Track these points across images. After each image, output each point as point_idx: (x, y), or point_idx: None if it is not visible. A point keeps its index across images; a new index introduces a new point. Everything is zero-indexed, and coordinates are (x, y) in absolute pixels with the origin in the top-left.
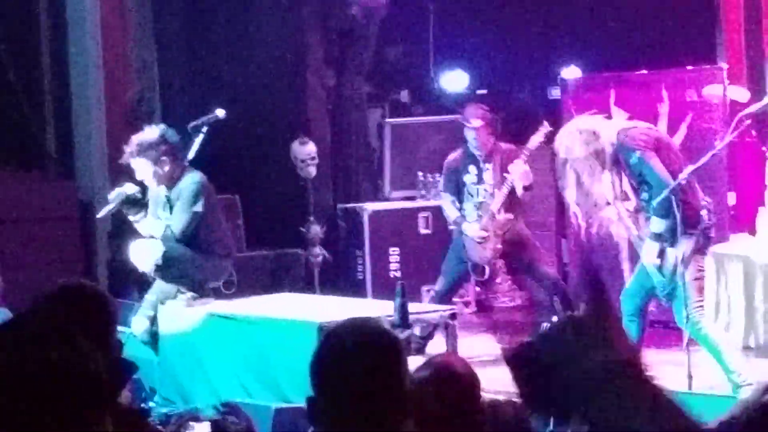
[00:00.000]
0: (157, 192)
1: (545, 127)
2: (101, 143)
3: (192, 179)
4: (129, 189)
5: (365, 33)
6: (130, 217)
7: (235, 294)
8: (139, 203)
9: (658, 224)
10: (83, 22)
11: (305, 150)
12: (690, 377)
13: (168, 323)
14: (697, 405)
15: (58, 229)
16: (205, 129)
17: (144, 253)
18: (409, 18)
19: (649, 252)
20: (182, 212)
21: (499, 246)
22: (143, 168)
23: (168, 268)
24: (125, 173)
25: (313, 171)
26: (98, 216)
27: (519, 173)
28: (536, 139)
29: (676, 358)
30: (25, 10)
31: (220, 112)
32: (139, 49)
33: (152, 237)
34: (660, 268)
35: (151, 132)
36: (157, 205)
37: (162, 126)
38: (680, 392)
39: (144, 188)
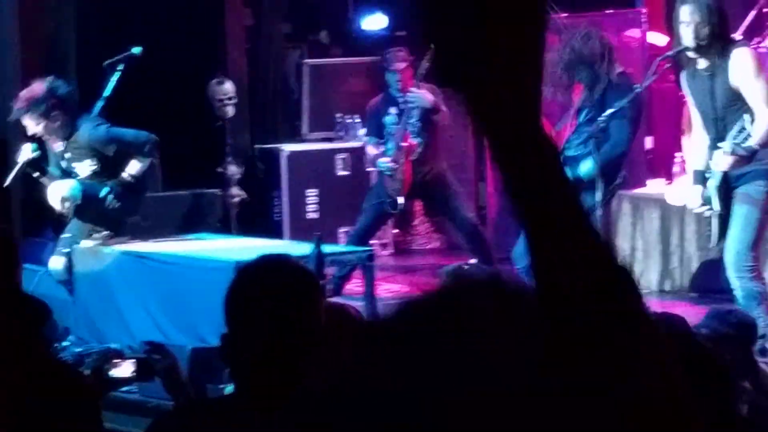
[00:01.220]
0: (54, 147)
1: (431, 52)
2: (15, 82)
3: (93, 123)
4: (26, 153)
5: None
6: (42, 179)
7: (150, 234)
8: (41, 163)
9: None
10: None
11: (222, 89)
12: None
13: (83, 262)
14: None
15: None
16: (121, 67)
17: (62, 194)
18: None
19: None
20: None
21: (409, 176)
22: (34, 125)
23: (87, 208)
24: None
25: (230, 111)
26: (5, 184)
27: (417, 95)
28: (424, 65)
29: None
30: None
31: (137, 50)
32: None
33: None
34: None
35: (39, 86)
36: (58, 159)
37: (50, 79)
38: None
39: (41, 144)
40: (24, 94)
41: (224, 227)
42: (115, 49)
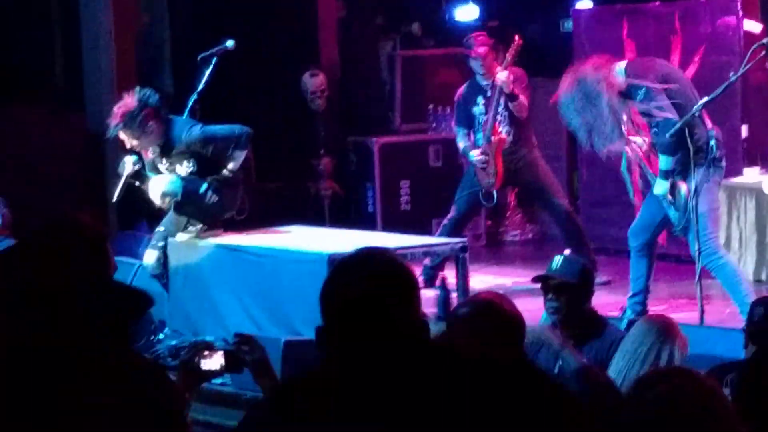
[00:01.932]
0: (150, 154)
1: (517, 43)
2: (110, 75)
3: (187, 126)
4: (129, 167)
5: None
6: (144, 186)
7: (244, 226)
8: (142, 171)
9: (665, 162)
10: None
11: (315, 82)
12: (702, 311)
13: (178, 255)
14: (708, 338)
15: (67, 162)
16: (214, 60)
17: (163, 190)
18: None
19: (660, 189)
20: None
21: (501, 169)
22: (131, 139)
23: (186, 204)
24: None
25: (323, 103)
26: (113, 200)
27: (500, 80)
28: (510, 57)
29: (688, 291)
30: None
31: (230, 43)
32: None
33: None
34: (673, 204)
35: (130, 99)
36: (155, 164)
37: (138, 89)
38: (692, 326)
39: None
40: (117, 109)
41: (317, 219)
42: (208, 42)
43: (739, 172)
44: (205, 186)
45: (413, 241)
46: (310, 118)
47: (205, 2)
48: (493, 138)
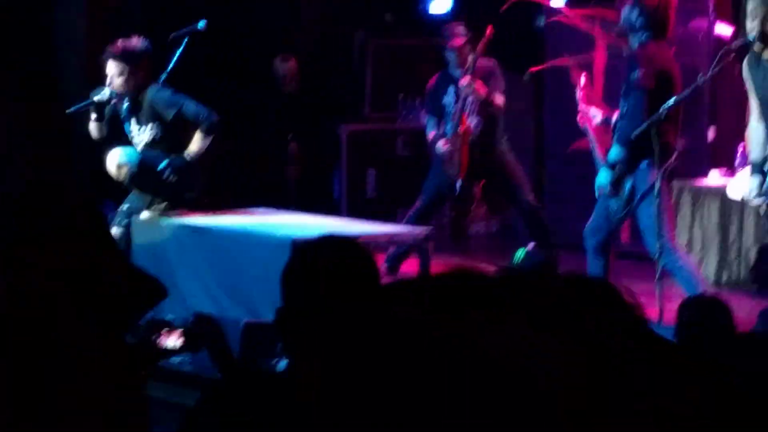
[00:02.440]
0: (121, 105)
1: (488, 33)
2: (81, 51)
3: (159, 86)
4: (102, 95)
5: None
6: (93, 117)
7: (210, 207)
8: (104, 111)
9: (616, 152)
10: None
11: (286, 67)
12: (661, 310)
13: (141, 234)
14: (667, 337)
15: (38, 151)
16: (186, 40)
17: (118, 161)
18: None
19: (602, 179)
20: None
21: (466, 160)
22: (119, 73)
23: (145, 179)
24: (102, 84)
25: (293, 88)
26: (68, 111)
27: (469, 88)
28: (481, 47)
29: (647, 290)
30: None
31: (201, 24)
32: None
33: (130, 145)
34: (614, 195)
35: (138, 41)
36: (121, 117)
37: (145, 40)
38: (651, 324)
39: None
40: (122, 41)
41: (283, 203)
42: (180, 22)
43: (704, 174)
44: (164, 163)
45: (378, 229)
46: (280, 103)
47: None
48: (459, 128)
